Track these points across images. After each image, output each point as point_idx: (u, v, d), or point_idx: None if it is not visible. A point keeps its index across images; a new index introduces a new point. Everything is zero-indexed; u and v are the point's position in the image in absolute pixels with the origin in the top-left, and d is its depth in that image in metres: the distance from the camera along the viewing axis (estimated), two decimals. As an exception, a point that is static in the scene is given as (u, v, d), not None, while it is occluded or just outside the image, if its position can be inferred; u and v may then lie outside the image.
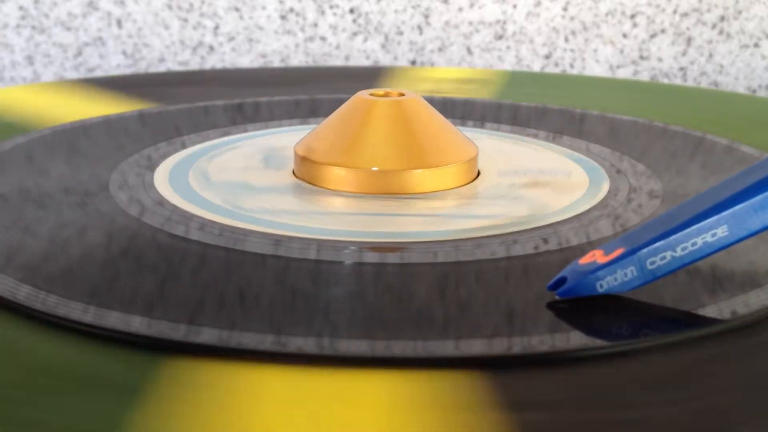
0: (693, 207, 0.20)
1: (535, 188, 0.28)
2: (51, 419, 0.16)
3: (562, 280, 0.20)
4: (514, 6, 0.52)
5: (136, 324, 0.19)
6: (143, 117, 0.35)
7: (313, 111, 0.37)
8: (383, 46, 0.52)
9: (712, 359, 0.18)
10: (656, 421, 0.16)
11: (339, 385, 0.17)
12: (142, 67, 0.52)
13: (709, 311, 0.20)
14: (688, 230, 0.19)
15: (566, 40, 0.52)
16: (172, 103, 0.37)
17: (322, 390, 0.17)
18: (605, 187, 0.28)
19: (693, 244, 0.19)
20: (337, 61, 0.53)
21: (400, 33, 0.52)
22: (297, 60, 0.53)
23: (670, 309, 0.20)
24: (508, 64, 0.53)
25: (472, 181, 0.28)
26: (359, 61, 0.53)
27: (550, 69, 0.53)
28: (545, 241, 0.24)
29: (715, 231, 0.19)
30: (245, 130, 0.34)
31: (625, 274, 0.20)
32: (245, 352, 0.18)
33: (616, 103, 0.38)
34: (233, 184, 0.27)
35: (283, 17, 0.52)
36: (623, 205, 0.26)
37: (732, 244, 0.20)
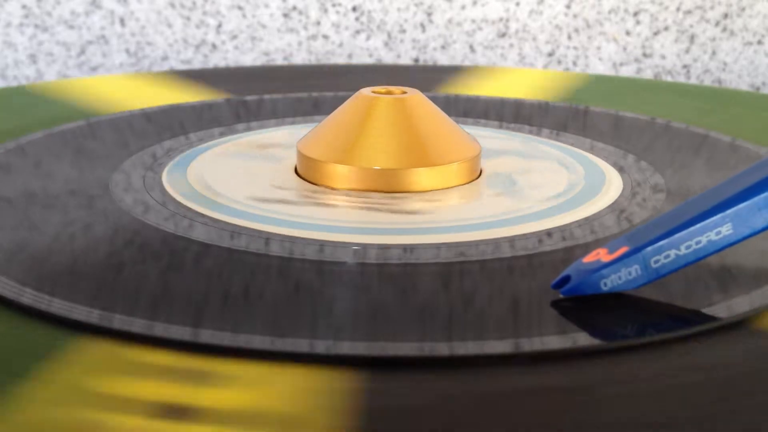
0: (697, 205, 0.20)
1: (538, 185, 0.27)
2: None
3: (566, 279, 0.20)
4: (517, 4, 0.52)
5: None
6: (148, 115, 0.35)
7: (315, 108, 0.37)
8: (386, 44, 0.52)
9: (715, 359, 0.18)
10: (661, 422, 0.16)
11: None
12: (145, 66, 0.52)
13: (715, 310, 0.20)
14: (692, 228, 0.19)
15: (569, 37, 0.52)
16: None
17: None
18: (609, 184, 0.28)
19: (697, 243, 0.19)
20: (340, 60, 0.53)
21: (403, 31, 0.52)
22: (300, 58, 0.53)
23: (676, 307, 0.20)
24: (511, 62, 0.53)
25: (475, 179, 0.28)
26: (362, 59, 0.53)
27: (553, 67, 0.53)
28: (549, 236, 0.23)
29: (720, 229, 0.19)
30: (248, 128, 0.33)
31: (630, 273, 0.20)
32: (247, 351, 0.18)
33: (619, 100, 0.38)
34: (235, 183, 0.27)
35: (285, 15, 0.52)
36: (627, 202, 0.26)
37: (736, 242, 0.20)
